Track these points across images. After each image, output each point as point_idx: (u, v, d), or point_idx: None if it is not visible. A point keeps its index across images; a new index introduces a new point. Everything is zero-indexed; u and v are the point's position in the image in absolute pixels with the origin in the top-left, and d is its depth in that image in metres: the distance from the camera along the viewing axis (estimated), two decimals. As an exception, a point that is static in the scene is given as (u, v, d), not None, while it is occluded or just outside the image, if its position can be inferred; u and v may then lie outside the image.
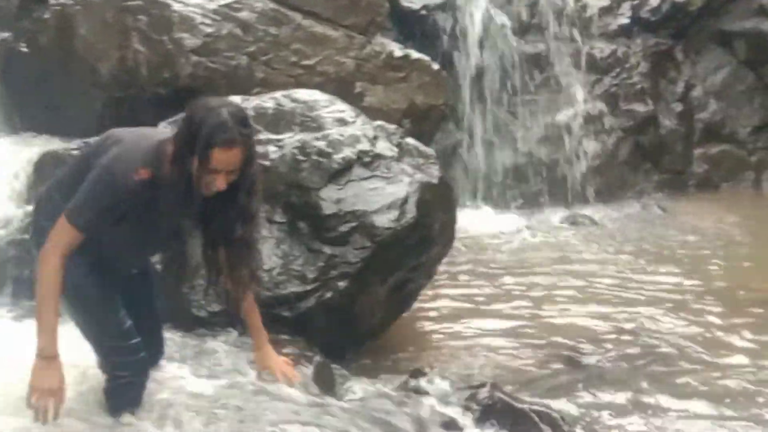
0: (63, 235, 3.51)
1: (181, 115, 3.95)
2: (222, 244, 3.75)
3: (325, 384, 4.40)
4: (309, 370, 4.39)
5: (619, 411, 4.64)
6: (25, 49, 6.59)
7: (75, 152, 5.56)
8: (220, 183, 3.50)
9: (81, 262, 3.60)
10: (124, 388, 3.79)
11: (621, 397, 4.78)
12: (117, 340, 3.74)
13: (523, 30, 8.11)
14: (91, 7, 6.53)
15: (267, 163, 4.91)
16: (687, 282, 6.54)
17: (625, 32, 8.43)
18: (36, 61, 6.59)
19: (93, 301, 3.70)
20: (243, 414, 3.87)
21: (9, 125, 6.69)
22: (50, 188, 3.86)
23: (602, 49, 8.35)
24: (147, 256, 4.05)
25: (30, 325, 4.21)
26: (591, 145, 8.20)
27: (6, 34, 6.75)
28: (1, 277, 5.21)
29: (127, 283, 3.88)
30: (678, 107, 8.61)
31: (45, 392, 3.53)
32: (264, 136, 5.14)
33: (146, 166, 3.51)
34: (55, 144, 6.17)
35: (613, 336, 5.58)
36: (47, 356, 3.53)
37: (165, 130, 4.26)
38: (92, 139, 4.48)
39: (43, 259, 3.52)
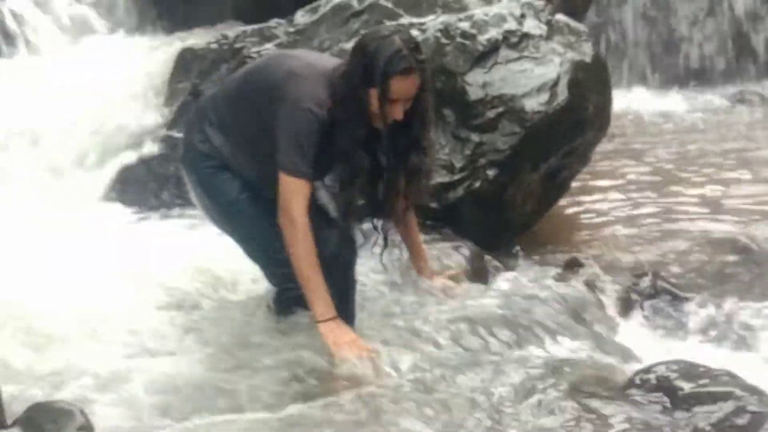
0: (296, 192, 3.57)
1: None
2: (394, 174, 3.78)
3: (478, 276, 4.41)
4: (462, 258, 4.47)
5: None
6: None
7: (213, 46, 5.67)
8: (397, 112, 3.55)
9: (237, 182, 3.74)
10: (292, 300, 3.81)
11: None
12: (281, 254, 3.70)
13: None
14: None
15: (409, 48, 4.91)
16: None
17: None
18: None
19: (255, 221, 3.79)
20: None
21: (148, 21, 6.82)
22: (204, 108, 3.90)
23: None
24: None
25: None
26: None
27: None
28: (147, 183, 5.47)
29: None
30: None
31: (353, 345, 3.59)
32: (405, 19, 5.18)
33: (329, 98, 3.57)
34: (192, 39, 6.30)
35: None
36: (329, 319, 3.60)
37: (331, 58, 4.19)
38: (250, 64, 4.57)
39: (290, 223, 3.56)
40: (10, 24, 6.52)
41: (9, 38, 6.50)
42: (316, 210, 3.73)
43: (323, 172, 3.78)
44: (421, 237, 4.17)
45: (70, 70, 6.28)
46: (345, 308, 3.79)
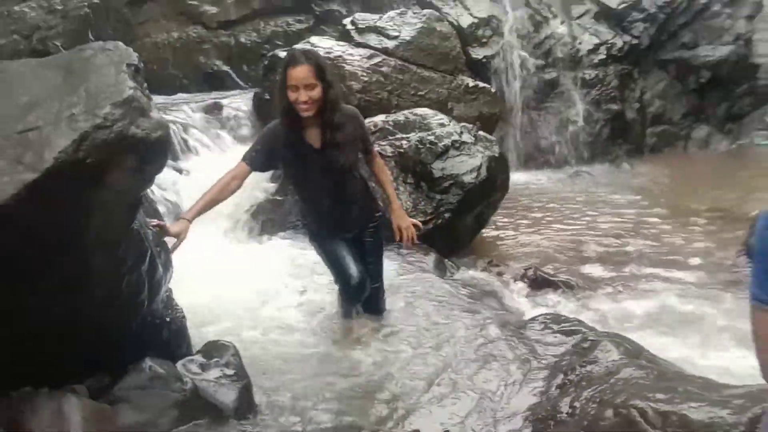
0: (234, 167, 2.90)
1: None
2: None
3: (440, 270, 4.40)
4: (431, 260, 4.38)
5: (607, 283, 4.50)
6: (267, 97, 6.60)
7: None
8: (301, 95, 2.77)
9: (307, 230, 3.25)
10: (343, 299, 3.32)
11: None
12: (337, 274, 3.17)
13: (543, 66, 7.85)
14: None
15: (401, 150, 4.90)
16: (647, 205, 6.26)
17: (603, 63, 8.07)
18: (272, 103, 6.59)
19: (320, 251, 3.21)
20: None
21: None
22: None
23: (590, 73, 8.02)
24: (321, 201, 3.05)
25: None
26: (585, 130, 7.90)
27: (257, 89, 6.85)
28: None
29: (350, 243, 3.18)
30: (636, 105, 8.19)
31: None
32: (399, 135, 5.11)
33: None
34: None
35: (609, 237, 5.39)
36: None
37: None
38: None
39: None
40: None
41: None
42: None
43: (305, 175, 2.93)
44: (390, 178, 3.31)
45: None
46: (377, 308, 3.29)
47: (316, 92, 2.79)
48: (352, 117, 2.97)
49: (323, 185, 2.99)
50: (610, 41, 8.04)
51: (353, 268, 3.10)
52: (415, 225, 3.30)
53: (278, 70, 2.90)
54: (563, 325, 3.25)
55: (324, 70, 2.83)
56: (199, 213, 2.77)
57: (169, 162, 4.79)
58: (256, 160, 2.89)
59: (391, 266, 3.91)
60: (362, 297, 3.21)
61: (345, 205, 3.08)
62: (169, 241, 2.70)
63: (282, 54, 6.62)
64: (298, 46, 3.36)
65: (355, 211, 3.13)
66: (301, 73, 2.79)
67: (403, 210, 3.26)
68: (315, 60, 2.85)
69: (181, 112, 6.04)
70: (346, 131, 2.91)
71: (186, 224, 2.68)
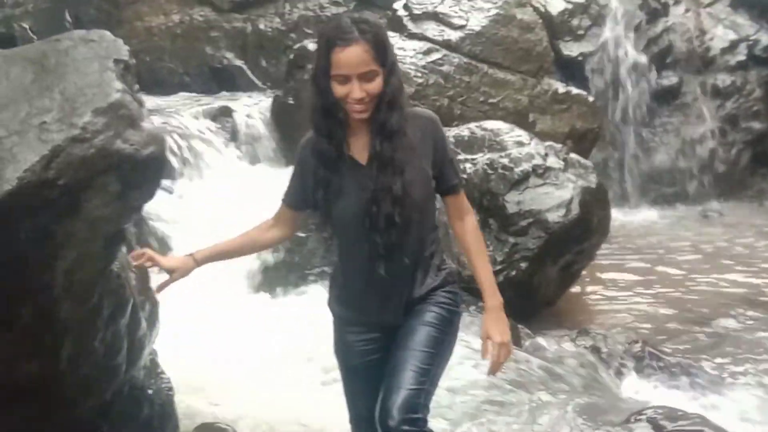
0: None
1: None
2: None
3: (513, 340, 4.36)
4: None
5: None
6: (291, 102, 6.81)
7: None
8: (355, 90, 2.33)
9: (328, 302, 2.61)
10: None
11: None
12: (348, 399, 2.60)
13: (660, 68, 7.81)
14: (336, 68, 6.68)
15: (464, 176, 4.93)
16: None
17: (741, 66, 8.00)
18: (298, 110, 6.77)
19: (336, 351, 2.60)
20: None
21: (282, 159, 6.88)
22: None
23: (724, 79, 7.94)
24: (358, 261, 2.47)
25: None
26: (717, 155, 7.80)
27: (278, 91, 7.02)
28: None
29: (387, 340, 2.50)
30: (788, 124, 8.08)
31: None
32: (462, 156, 5.15)
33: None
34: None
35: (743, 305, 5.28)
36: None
37: None
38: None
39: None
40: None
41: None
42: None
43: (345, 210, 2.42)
44: (485, 248, 2.63)
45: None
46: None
47: (377, 84, 2.37)
48: (426, 121, 2.49)
49: (364, 232, 2.42)
50: (752, 37, 7.97)
51: (367, 409, 2.47)
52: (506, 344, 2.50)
53: (315, 50, 2.46)
54: (681, 423, 3.20)
55: (387, 49, 2.41)
56: (213, 257, 2.54)
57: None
58: (294, 195, 2.53)
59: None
60: None
61: (396, 273, 2.45)
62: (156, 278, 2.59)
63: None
64: (347, 15, 2.55)
65: (409, 285, 2.49)
66: (354, 55, 2.33)
67: (501, 310, 2.51)
68: (375, 34, 2.38)
69: (179, 118, 6.20)
70: (409, 142, 2.42)
71: (189, 262, 2.47)
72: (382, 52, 2.38)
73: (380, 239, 2.40)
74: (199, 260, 2.49)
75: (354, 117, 2.40)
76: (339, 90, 2.36)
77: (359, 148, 2.45)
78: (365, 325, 2.52)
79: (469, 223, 2.57)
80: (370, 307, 2.49)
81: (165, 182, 5.07)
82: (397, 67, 2.47)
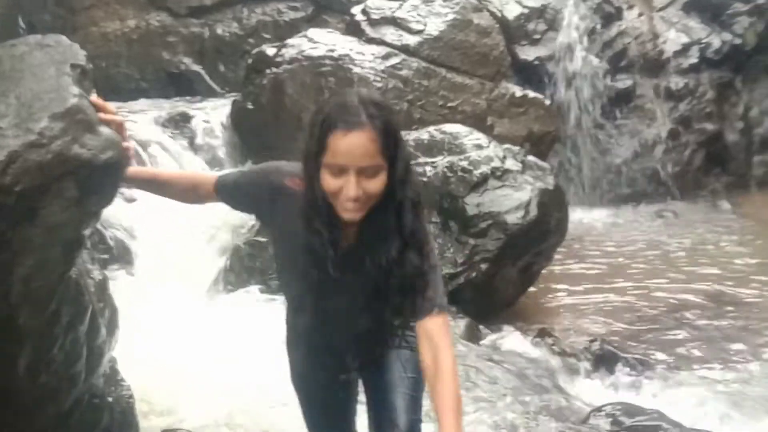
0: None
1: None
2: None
3: (473, 340, 4.41)
4: (461, 327, 4.40)
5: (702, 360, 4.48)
6: (250, 106, 6.83)
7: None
8: (351, 186, 1.95)
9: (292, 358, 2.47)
10: None
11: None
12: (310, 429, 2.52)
13: (614, 71, 7.93)
14: (295, 73, 6.70)
15: (425, 179, 4.96)
16: (753, 256, 6.26)
17: (694, 69, 8.16)
18: (258, 114, 6.82)
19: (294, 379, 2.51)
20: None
21: (241, 162, 6.87)
22: None
23: (677, 82, 8.09)
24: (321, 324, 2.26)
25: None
26: (671, 156, 7.93)
27: (237, 96, 7.01)
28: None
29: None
30: (739, 125, 8.24)
31: None
32: (422, 159, 5.18)
33: (300, 179, 2.11)
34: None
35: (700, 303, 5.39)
36: None
37: None
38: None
39: None
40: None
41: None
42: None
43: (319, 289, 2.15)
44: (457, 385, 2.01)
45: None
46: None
47: (379, 182, 1.98)
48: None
49: (337, 307, 2.21)
50: (704, 40, 8.12)
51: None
52: None
53: (308, 126, 2.05)
54: (638, 418, 3.25)
55: (398, 141, 2.02)
56: (137, 178, 2.42)
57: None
58: (232, 196, 2.32)
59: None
60: None
61: (360, 339, 2.28)
62: None
63: (270, 51, 6.84)
64: (354, 92, 2.08)
65: (371, 343, 2.31)
66: (358, 143, 1.95)
67: None
68: (386, 121, 1.99)
69: (136, 125, 6.16)
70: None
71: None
72: (392, 144, 1.98)
73: (344, 322, 2.23)
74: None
75: (344, 216, 2.01)
76: (330, 183, 1.97)
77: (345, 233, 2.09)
78: (323, 374, 2.38)
79: (442, 345, 2.02)
80: (322, 366, 2.35)
81: (126, 191, 5.04)
82: (411, 168, 2.06)
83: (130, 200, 5.15)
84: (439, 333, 2.03)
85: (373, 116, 1.95)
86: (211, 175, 2.40)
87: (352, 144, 1.93)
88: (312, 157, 2.00)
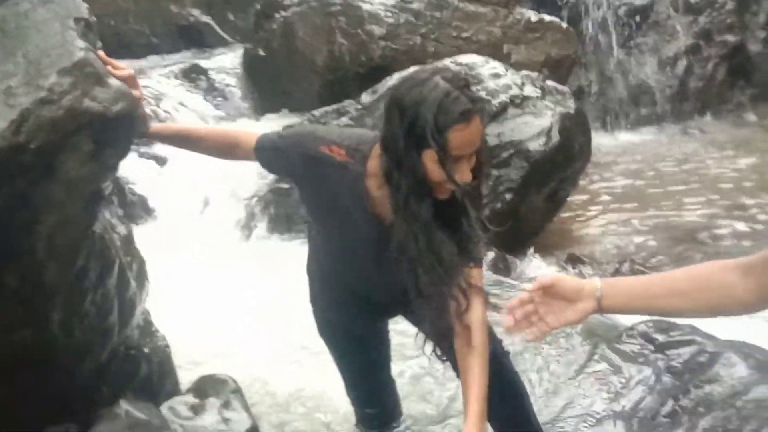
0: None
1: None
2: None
3: (502, 269, 4.42)
4: (489, 258, 4.37)
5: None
6: (262, 53, 6.77)
7: (305, 121, 5.72)
8: (465, 173, 2.05)
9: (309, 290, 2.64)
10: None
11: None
12: (348, 383, 2.73)
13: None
14: (305, 15, 6.62)
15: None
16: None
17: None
18: (270, 60, 6.77)
19: (326, 336, 2.67)
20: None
21: (254, 110, 6.84)
22: None
23: (696, -6, 7.90)
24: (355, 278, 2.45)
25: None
26: (693, 72, 7.76)
27: (248, 45, 6.96)
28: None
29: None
30: (761, 34, 8.02)
31: None
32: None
33: (345, 150, 2.20)
34: (290, 119, 6.30)
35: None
36: None
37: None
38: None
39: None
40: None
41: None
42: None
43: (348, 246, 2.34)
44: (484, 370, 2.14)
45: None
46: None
47: (474, 158, 2.09)
48: None
49: (371, 272, 2.33)
50: (721, -54, 7.89)
51: (377, 392, 2.67)
52: None
53: (407, 111, 2.01)
54: (672, 333, 3.23)
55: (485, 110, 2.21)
56: (171, 134, 2.56)
57: (142, 149, 4.95)
58: (269, 159, 2.38)
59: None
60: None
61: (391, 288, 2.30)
62: None
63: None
64: (436, 74, 2.05)
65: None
66: (477, 131, 2.03)
67: (484, 422, 2.12)
68: (481, 100, 2.17)
69: (150, 80, 6.14)
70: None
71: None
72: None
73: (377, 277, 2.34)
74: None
75: (440, 197, 2.09)
76: (438, 173, 2.02)
77: (383, 206, 2.18)
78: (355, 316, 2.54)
79: (478, 321, 2.21)
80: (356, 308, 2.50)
81: (150, 149, 5.06)
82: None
83: (162, 161, 5.17)
84: (479, 319, 2.20)
85: (475, 100, 2.03)
86: (252, 134, 2.44)
87: (473, 134, 2.02)
88: (412, 146, 2.01)
